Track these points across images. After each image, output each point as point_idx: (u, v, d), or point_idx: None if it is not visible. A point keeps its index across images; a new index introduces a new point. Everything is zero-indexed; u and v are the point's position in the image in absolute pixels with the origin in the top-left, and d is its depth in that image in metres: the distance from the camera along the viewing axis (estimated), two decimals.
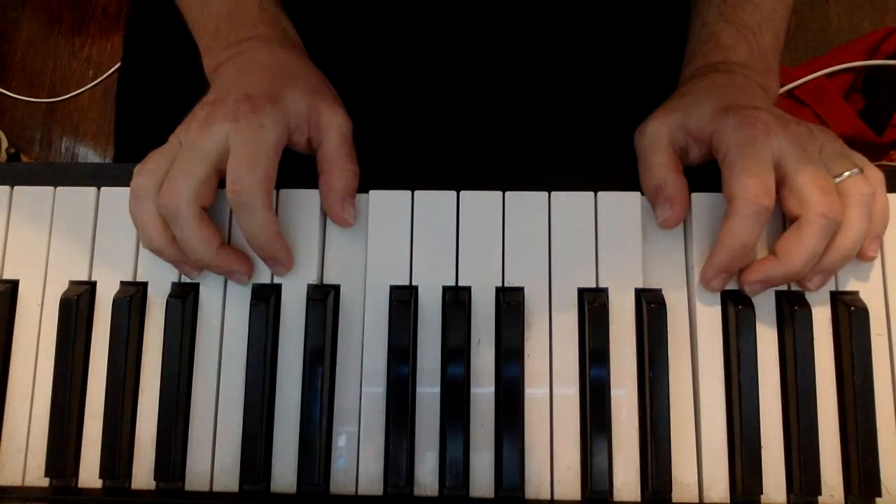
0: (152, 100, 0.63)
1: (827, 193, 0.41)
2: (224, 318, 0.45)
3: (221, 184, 0.43)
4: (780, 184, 0.42)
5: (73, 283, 0.46)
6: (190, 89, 0.48)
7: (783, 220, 0.44)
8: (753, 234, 0.41)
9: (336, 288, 0.45)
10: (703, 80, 0.49)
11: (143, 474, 0.44)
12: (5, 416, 0.45)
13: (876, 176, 0.43)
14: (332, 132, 0.45)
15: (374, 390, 0.44)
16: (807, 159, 0.42)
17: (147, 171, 0.43)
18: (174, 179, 0.42)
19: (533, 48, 0.60)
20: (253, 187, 0.41)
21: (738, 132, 0.42)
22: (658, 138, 0.45)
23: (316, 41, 0.53)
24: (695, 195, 0.45)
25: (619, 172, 0.46)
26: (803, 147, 0.42)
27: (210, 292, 0.45)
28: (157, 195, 0.42)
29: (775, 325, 0.44)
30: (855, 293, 0.44)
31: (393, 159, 0.52)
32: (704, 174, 0.45)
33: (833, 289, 0.44)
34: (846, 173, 0.42)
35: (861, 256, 0.44)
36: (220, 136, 0.42)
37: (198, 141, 0.42)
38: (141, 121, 0.64)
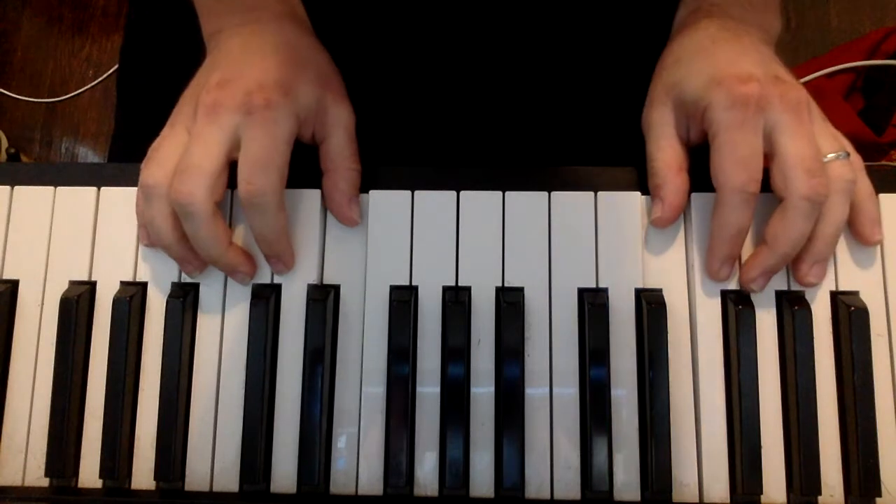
0: (151, 99, 0.63)
1: (813, 175, 0.40)
2: (224, 318, 0.45)
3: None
4: (770, 157, 0.42)
5: (73, 283, 0.46)
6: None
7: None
8: (744, 219, 0.42)
9: (336, 288, 0.45)
10: (696, 36, 0.46)
11: (143, 474, 0.44)
12: (5, 416, 0.45)
13: (858, 162, 0.43)
14: (339, 130, 0.45)
15: (374, 390, 0.44)
16: (799, 133, 0.41)
17: (156, 165, 0.42)
18: (187, 175, 0.40)
19: (532, 46, 0.60)
20: (268, 188, 0.41)
21: (728, 113, 0.41)
22: (664, 127, 0.45)
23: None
24: (695, 195, 0.45)
25: (620, 172, 0.46)
26: (798, 118, 0.41)
27: (210, 292, 0.45)
28: (168, 191, 0.41)
29: (775, 325, 0.44)
30: (855, 293, 0.44)
31: (393, 159, 0.52)
32: (704, 174, 0.45)
33: (833, 289, 0.44)
34: (832, 155, 0.42)
35: (866, 242, 0.44)
36: (231, 128, 0.41)
37: (207, 132, 0.41)
38: (139, 119, 0.64)
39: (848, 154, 0.42)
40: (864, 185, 0.44)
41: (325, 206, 0.46)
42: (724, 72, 0.42)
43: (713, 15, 0.47)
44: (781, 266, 0.43)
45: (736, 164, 0.41)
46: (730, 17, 0.47)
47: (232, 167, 0.42)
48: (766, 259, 0.42)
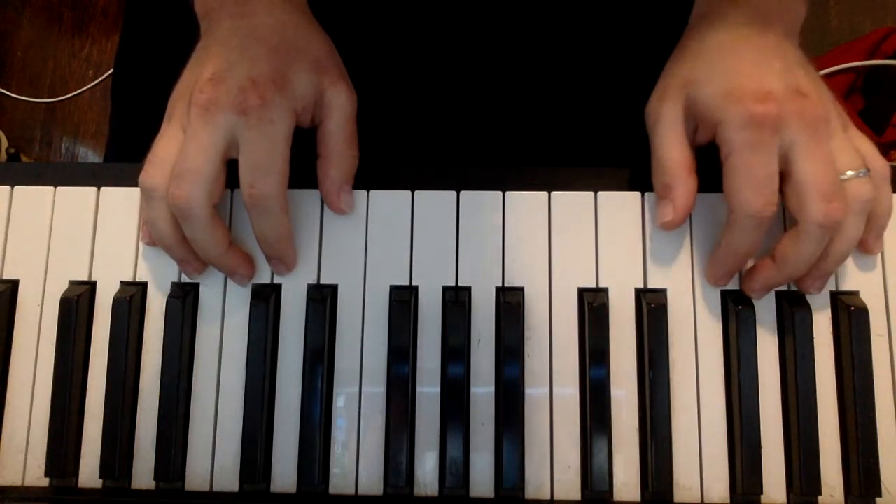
0: (146, 105, 0.62)
1: (828, 200, 0.39)
2: (224, 318, 0.45)
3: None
4: (785, 177, 0.41)
5: (73, 283, 0.46)
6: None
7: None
8: (755, 242, 0.41)
9: (335, 288, 0.45)
10: (719, 28, 0.44)
11: (143, 474, 0.44)
12: (5, 416, 0.45)
13: (882, 172, 0.42)
14: (335, 112, 0.44)
15: (374, 390, 0.44)
16: (816, 154, 0.40)
17: (154, 166, 0.42)
18: (184, 179, 0.40)
19: (533, 46, 0.60)
20: (272, 191, 0.41)
21: (742, 133, 0.40)
22: (674, 123, 0.43)
23: None
24: (698, 196, 0.44)
25: (620, 172, 0.46)
26: (815, 138, 0.40)
27: (210, 292, 0.45)
28: (167, 193, 0.41)
29: (775, 325, 0.44)
30: (855, 293, 0.44)
31: (393, 159, 0.52)
32: (705, 174, 0.45)
33: (833, 289, 0.44)
34: (850, 172, 0.40)
35: (865, 251, 0.44)
36: (227, 128, 0.40)
37: (202, 133, 0.40)
38: (134, 127, 0.64)
39: (868, 170, 0.41)
40: (885, 198, 0.42)
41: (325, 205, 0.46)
42: (742, 86, 0.41)
43: (738, 2, 0.45)
44: (786, 282, 0.43)
45: (750, 188, 0.40)
46: (753, 6, 0.45)
47: (231, 165, 0.42)
48: (772, 275, 0.42)
